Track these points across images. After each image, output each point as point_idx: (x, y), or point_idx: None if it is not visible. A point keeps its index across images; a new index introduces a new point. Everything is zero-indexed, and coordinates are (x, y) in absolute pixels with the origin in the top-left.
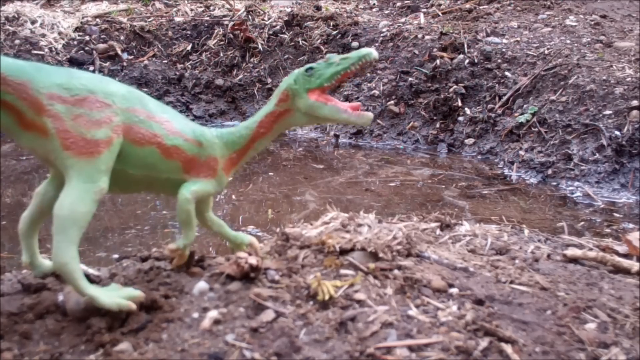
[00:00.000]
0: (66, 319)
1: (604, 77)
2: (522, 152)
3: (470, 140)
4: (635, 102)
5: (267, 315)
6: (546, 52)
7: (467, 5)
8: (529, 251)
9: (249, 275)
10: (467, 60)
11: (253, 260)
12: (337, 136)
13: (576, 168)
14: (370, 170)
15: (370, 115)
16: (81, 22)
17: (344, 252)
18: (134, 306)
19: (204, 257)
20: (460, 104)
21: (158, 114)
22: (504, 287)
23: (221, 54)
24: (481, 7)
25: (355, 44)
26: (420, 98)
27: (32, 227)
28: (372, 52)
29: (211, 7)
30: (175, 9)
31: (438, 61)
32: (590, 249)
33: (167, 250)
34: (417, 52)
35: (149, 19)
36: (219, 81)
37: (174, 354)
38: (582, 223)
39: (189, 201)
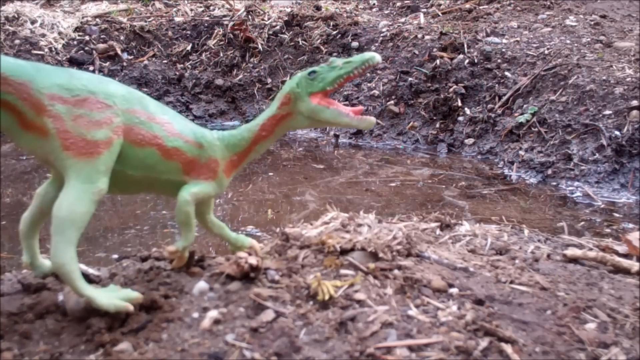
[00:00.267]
0: (66, 319)
1: (604, 77)
2: (522, 152)
3: (470, 140)
4: (635, 102)
5: (267, 315)
6: (546, 52)
7: (467, 5)
8: (529, 251)
9: (249, 275)
10: (467, 60)
11: (253, 260)
12: (337, 136)
13: (576, 168)
14: (370, 170)
15: (373, 119)
16: (81, 22)
17: (344, 252)
18: (131, 308)
19: (204, 257)
20: (460, 104)
21: (158, 115)
22: (504, 287)
23: (221, 54)
24: (481, 7)
25: (355, 44)
26: (420, 98)
27: (32, 228)
28: (376, 56)
29: (211, 7)
30: (175, 9)
31: (438, 61)
32: (590, 249)
33: (166, 252)
34: (417, 52)
35: (149, 19)
36: (219, 81)
37: (174, 354)
38: (582, 223)
39: (188, 203)
